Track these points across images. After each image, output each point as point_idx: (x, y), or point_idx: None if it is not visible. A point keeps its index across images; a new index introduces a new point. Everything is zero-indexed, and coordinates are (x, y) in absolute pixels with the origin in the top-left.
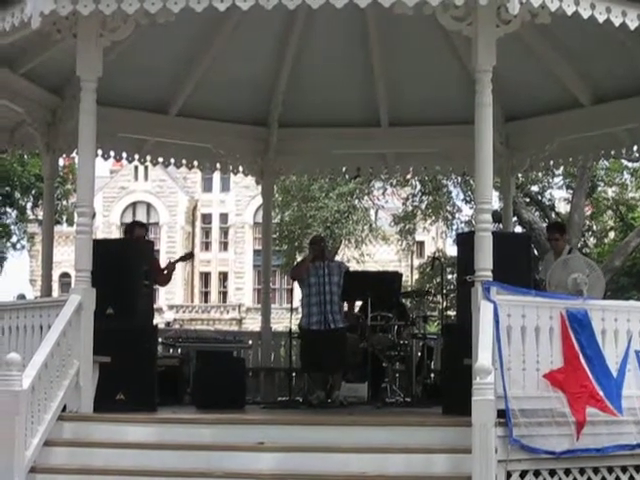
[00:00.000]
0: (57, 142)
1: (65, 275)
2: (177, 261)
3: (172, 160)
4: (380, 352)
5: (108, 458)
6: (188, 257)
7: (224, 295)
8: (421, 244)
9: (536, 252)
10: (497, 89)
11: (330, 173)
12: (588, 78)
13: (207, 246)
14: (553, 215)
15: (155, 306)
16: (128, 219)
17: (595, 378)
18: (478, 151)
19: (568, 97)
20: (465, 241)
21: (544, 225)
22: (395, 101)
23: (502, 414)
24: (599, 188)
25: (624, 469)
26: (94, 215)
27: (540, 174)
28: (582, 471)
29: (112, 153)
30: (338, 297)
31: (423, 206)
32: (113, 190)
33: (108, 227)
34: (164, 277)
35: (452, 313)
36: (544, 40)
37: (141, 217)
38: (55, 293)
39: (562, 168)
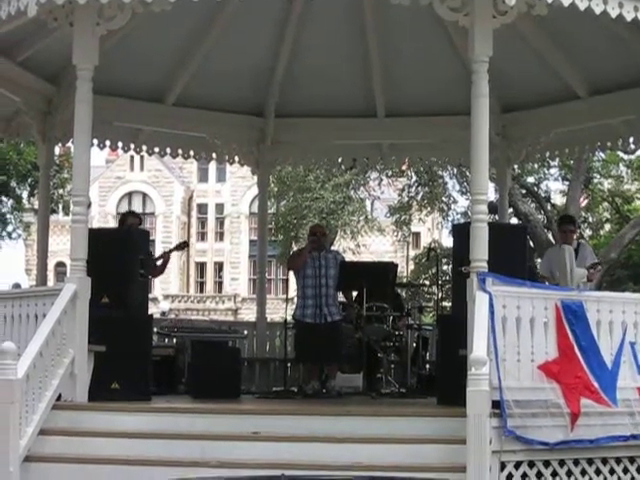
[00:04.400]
0: (53, 131)
1: (61, 264)
2: (171, 251)
3: (168, 150)
4: (375, 343)
5: (102, 447)
6: (183, 246)
7: (220, 285)
8: (417, 235)
9: (532, 244)
10: (493, 80)
11: (326, 164)
12: (584, 70)
13: (203, 236)
14: (549, 207)
15: (150, 296)
16: (124, 209)
17: (590, 369)
18: (474, 142)
19: (564, 89)
20: (461, 232)
21: (540, 217)
22: (391, 92)
23: (497, 405)
24: (595, 180)
25: (618, 460)
26: (90, 205)
27: (536, 165)
28: (576, 462)
29: (108, 142)
30: (334, 289)
31: (419, 197)
32: (109, 180)
33: (104, 217)
34: (158, 268)
35: (447, 304)
36: (541, 31)
37: (137, 207)
38: (50, 282)
39: (558, 160)
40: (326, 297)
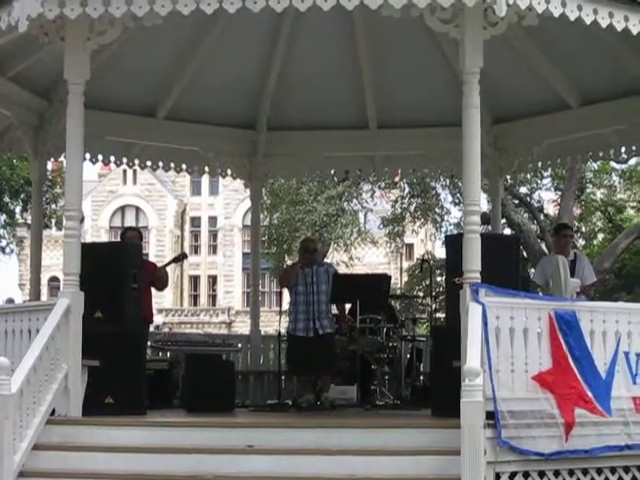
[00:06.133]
0: (45, 146)
1: (54, 279)
2: (169, 263)
3: (160, 163)
4: (369, 354)
5: (97, 462)
6: (181, 258)
7: (213, 298)
8: (410, 246)
9: (525, 254)
10: (485, 91)
11: (318, 176)
12: (576, 80)
13: (196, 249)
14: (542, 217)
15: None
16: (117, 223)
17: (584, 379)
18: (466, 153)
19: (556, 99)
20: (454, 243)
21: (533, 227)
22: (383, 103)
23: (491, 416)
24: (588, 190)
25: (613, 470)
26: (82, 219)
27: (528, 176)
28: (571, 472)
29: (100, 157)
30: (326, 304)
31: (412, 208)
32: (102, 194)
33: (97, 231)
34: (160, 281)
35: (441, 315)
36: (531, 42)
37: (130, 221)
38: (44, 297)
39: (550, 170)
40: (318, 312)
